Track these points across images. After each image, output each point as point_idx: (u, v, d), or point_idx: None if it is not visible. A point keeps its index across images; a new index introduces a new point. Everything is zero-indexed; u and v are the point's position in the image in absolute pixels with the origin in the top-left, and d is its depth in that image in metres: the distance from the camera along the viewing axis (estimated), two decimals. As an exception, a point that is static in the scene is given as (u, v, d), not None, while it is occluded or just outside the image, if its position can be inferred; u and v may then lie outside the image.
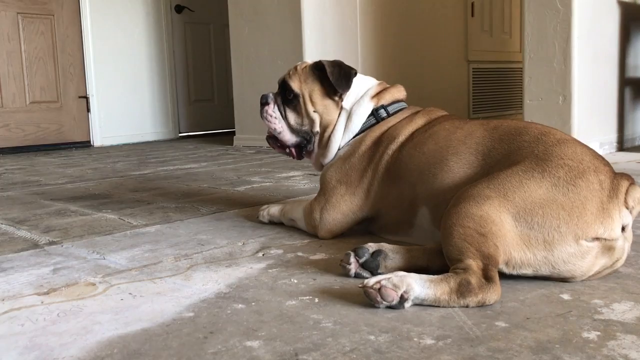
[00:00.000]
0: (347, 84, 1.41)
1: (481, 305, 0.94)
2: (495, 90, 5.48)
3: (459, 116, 1.41)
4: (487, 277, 0.95)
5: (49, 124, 4.56)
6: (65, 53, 4.61)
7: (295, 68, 1.49)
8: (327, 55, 3.94)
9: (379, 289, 0.93)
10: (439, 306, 0.94)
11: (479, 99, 5.31)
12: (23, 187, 2.54)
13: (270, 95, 1.50)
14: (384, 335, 0.84)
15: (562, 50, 2.77)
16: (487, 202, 1.00)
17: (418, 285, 0.94)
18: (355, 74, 1.44)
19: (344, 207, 1.38)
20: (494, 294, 0.94)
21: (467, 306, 0.94)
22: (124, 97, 4.93)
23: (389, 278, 0.95)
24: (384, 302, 0.93)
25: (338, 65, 1.42)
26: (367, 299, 0.95)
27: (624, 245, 1.03)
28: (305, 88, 1.45)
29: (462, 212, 1.01)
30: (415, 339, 0.83)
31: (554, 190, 0.99)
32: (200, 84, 5.55)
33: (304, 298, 1.01)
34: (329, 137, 1.45)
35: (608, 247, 1.01)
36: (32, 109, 4.49)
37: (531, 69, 2.87)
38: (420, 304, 0.95)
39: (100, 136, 4.78)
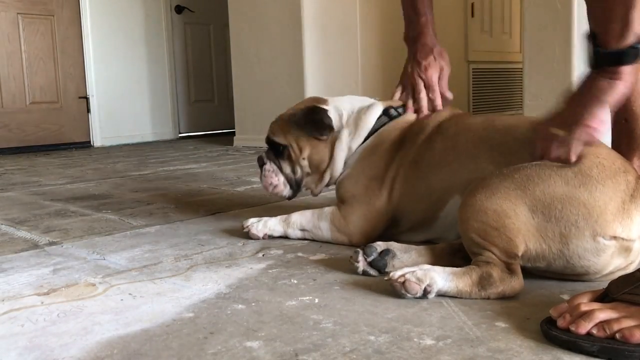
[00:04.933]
0: (323, 131, 1.45)
1: (502, 297, 0.98)
2: (495, 90, 5.47)
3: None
4: (509, 269, 0.99)
5: (49, 124, 4.56)
6: (65, 53, 4.61)
7: (275, 123, 1.52)
8: (327, 56, 3.95)
9: (404, 282, 0.97)
10: (461, 297, 0.98)
11: (479, 99, 5.30)
12: (23, 188, 2.54)
13: (263, 154, 1.53)
14: (384, 336, 0.84)
15: (562, 50, 2.77)
16: (501, 195, 1.01)
17: (441, 279, 0.98)
18: (328, 119, 1.45)
19: (374, 207, 1.35)
20: (515, 285, 0.98)
21: (488, 298, 0.98)
22: (124, 98, 4.92)
23: (413, 272, 0.98)
24: (408, 295, 0.97)
25: (310, 112, 1.46)
26: (393, 291, 0.99)
27: (639, 248, 1.02)
28: (291, 138, 1.48)
29: (477, 206, 1.02)
30: (415, 340, 0.83)
31: (580, 188, 0.99)
32: (200, 84, 5.55)
33: (304, 298, 1.01)
34: (327, 167, 1.48)
35: (625, 248, 1.00)
36: (32, 110, 4.48)
37: (531, 69, 2.87)
38: (443, 295, 0.98)
39: (100, 136, 4.77)
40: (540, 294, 1.00)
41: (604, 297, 0.83)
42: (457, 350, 0.79)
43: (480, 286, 0.97)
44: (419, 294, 0.97)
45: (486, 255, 1.00)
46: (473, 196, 1.04)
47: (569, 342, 0.78)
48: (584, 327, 0.78)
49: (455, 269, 1.00)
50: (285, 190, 1.52)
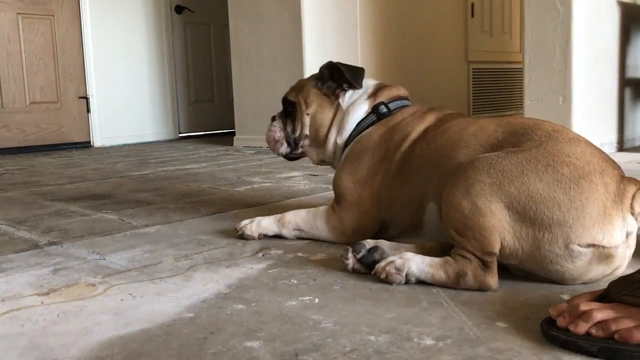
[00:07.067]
0: (360, 81, 1.46)
1: (475, 291, 1.02)
2: (495, 90, 5.47)
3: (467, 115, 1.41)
4: (484, 266, 1.01)
5: (49, 124, 4.56)
6: (65, 53, 4.61)
7: (293, 85, 1.58)
8: (327, 56, 3.93)
9: (386, 275, 1.06)
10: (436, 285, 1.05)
11: (479, 99, 5.30)
12: (23, 188, 2.54)
13: (277, 113, 1.60)
14: (384, 336, 0.84)
15: (562, 50, 2.77)
16: (477, 191, 1.00)
17: (418, 270, 1.05)
18: (363, 72, 1.48)
19: (366, 205, 1.34)
20: (489, 281, 1.01)
21: (461, 289, 1.02)
22: (124, 98, 4.92)
23: (393, 262, 1.06)
24: (393, 283, 1.06)
25: (348, 65, 1.48)
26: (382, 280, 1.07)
27: (625, 253, 0.99)
28: (301, 96, 1.52)
29: (455, 203, 1.03)
30: (415, 340, 0.83)
31: (554, 186, 0.96)
32: (200, 84, 5.55)
33: (304, 298, 1.01)
34: (325, 135, 1.49)
35: (606, 255, 0.96)
36: (32, 110, 4.48)
37: (531, 69, 2.87)
38: (422, 282, 1.05)
39: (100, 137, 4.77)
40: (540, 294, 1.00)
41: (604, 297, 0.83)
42: (457, 350, 0.79)
43: (456, 282, 1.02)
44: (402, 282, 1.05)
45: (463, 252, 1.02)
46: (452, 193, 1.04)
47: (568, 342, 0.78)
48: (583, 327, 0.78)
49: (434, 259, 1.05)
50: (283, 147, 1.58)
